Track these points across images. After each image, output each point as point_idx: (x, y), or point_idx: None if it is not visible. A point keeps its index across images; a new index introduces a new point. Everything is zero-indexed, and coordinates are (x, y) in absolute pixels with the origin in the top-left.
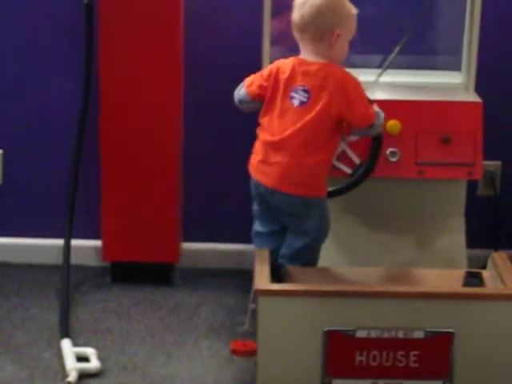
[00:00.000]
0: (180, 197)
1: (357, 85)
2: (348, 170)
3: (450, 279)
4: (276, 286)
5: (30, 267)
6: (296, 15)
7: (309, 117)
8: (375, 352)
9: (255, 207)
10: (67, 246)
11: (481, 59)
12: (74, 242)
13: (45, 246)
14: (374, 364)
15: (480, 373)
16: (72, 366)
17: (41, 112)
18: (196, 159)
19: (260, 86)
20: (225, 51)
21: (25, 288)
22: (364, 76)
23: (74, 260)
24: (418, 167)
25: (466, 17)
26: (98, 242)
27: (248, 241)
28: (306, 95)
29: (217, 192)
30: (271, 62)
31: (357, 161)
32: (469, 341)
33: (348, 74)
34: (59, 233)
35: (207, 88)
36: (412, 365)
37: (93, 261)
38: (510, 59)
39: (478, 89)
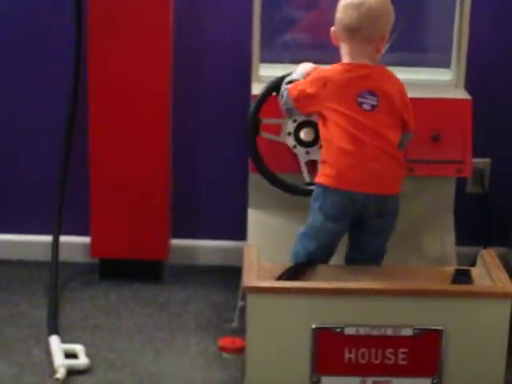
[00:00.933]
0: (169, 193)
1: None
2: (307, 179)
3: (438, 276)
4: (264, 283)
5: (19, 263)
6: (350, 16)
7: (387, 118)
8: (364, 349)
9: (332, 211)
10: (56, 243)
11: (470, 56)
12: (63, 239)
13: (33, 243)
14: (363, 361)
15: (469, 370)
16: (60, 363)
17: (30, 108)
18: (185, 156)
19: (311, 101)
20: (214, 49)
21: (13, 284)
22: None
23: (62, 256)
24: (408, 164)
25: (456, 14)
26: (86, 239)
27: (237, 237)
28: (375, 98)
29: (206, 188)
30: (262, 62)
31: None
32: (458, 338)
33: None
34: (48, 229)
35: (196, 89)
36: (401, 362)
37: (81, 257)
38: (500, 56)
39: (468, 86)
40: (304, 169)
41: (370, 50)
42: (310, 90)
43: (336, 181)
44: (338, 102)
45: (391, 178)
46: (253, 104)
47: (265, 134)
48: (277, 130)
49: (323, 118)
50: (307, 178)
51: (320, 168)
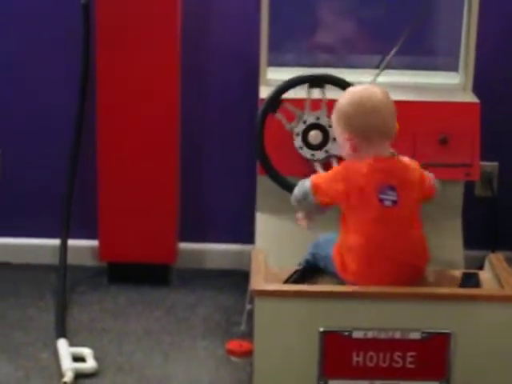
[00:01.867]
0: (177, 197)
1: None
2: None
3: (446, 280)
4: (272, 287)
5: (27, 267)
6: (377, 120)
7: (406, 213)
8: (372, 353)
9: None
10: (64, 246)
11: (478, 60)
12: (71, 242)
13: (41, 246)
14: (371, 365)
15: (477, 374)
16: (68, 366)
17: (38, 112)
18: (193, 160)
19: (333, 196)
20: (222, 53)
21: (21, 288)
22: (362, 76)
23: (70, 260)
24: None
25: (464, 17)
26: (94, 242)
27: (245, 241)
28: (395, 193)
29: (214, 192)
30: (269, 65)
31: None
32: (466, 342)
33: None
34: (56, 233)
35: (204, 93)
36: (409, 366)
37: (89, 261)
38: (508, 60)
39: (476, 89)
40: (319, 168)
41: (388, 143)
42: (332, 185)
43: (356, 277)
44: (361, 195)
45: (415, 277)
46: (256, 131)
47: (280, 114)
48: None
49: (343, 213)
50: None
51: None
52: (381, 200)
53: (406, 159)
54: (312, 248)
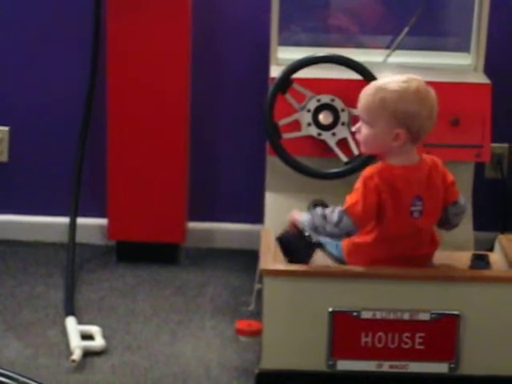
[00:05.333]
0: (186, 176)
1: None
2: (344, 158)
3: (456, 261)
4: (281, 266)
5: (36, 245)
6: (428, 123)
7: (429, 223)
8: (381, 333)
9: None
10: (73, 224)
11: (490, 40)
12: (80, 221)
13: (51, 224)
14: (380, 345)
15: (486, 355)
16: (76, 344)
17: (47, 89)
18: (202, 139)
19: (371, 212)
20: (233, 32)
21: (30, 266)
22: (373, 56)
23: (79, 238)
24: (426, 149)
25: None
26: (103, 221)
27: (254, 221)
28: (421, 203)
29: (224, 171)
30: (280, 44)
31: (356, 151)
32: (475, 323)
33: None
34: (65, 211)
35: (214, 70)
36: (418, 347)
37: (98, 239)
38: None
39: (487, 70)
40: (337, 150)
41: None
42: (370, 202)
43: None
44: (393, 207)
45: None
46: (265, 110)
47: (286, 135)
48: (296, 126)
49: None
50: (344, 158)
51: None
52: (411, 212)
53: (429, 159)
54: None
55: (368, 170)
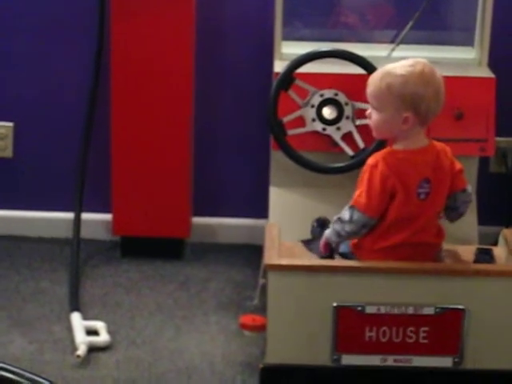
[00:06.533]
0: (191, 171)
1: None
2: (350, 152)
3: (461, 256)
4: (286, 261)
5: (41, 241)
6: (435, 104)
7: (437, 203)
8: (385, 328)
9: None
10: (77, 220)
11: (494, 35)
12: (85, 216)
13: (55, 220)
14: (384, 340)
15: (490, 349)
16: (81, 340)
17: (51, 85)
18: (206, 134)
19: (378, 199)
20: (237, 27)
21: (35, 261)
22: (377, 51)
23: (84, 234)
24: None
25: None
26: (108, 216)
27: (258, 215)
28: (428, 185)
29: (228, 166)
30: (284, 39)
31: (361, 145)
32: (479, 317)
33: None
34: (70, 206)
35: (219, 65)
36: (422, 341)
37: (103, 235)
38: None
39: (491, 64)
40: (342, 144)
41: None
42: (375, 190)
43: (370, 255)
44: (403, 193)
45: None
46: (269, 108)
47: (291, 132)
48: (300, 122)
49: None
50: (350, 152)
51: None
52: (418, 194)
53: (438, 145)
54: None
55: (372, 158)
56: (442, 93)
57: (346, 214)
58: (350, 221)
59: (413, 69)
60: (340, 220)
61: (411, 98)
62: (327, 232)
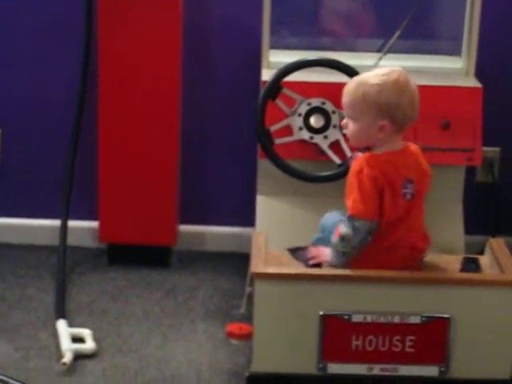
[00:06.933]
0: (178, 179)
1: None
2: (337, 161)
3: (447, 265)
4: (272, 270)
5: (27, 248)
6: (411, 112)
7: (420, 204)
8: (371, 336)
9: None
10: (64, 227)
11: (481, 44)
12: (71, 223)
13: (42, 227)
14: (370, 349)
15: (476, 358)
16: (67, 347)
17: (39, 92)
18: (194, 142)
19: (374, 201)
20: (224, 35)
21: (21, 268)
22: (364, 60)
23: (70, 241)
24: None
25: (467, 2)
26: (95, 224)
27: (246, 224)
28: (412, 185)
29: (215, 174)
30: (272, 48)
31: (348, 153)
32: (465, 326)
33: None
34: (56, 213)
35: (206, 76)
36: (408, 350)
37: (90, 242)
38: (511, 45)
39: (478, 74)
40: (330, 153)
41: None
42: (367, 192)
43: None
44: (391, 195)
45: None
46: (257, 117)
47: (279, 141)
48: (287, 130)
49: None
50: (337, 160)
51: None
52: (404, 194)
53: (412, 147)
54: (319, 232)
55: (356, 164)
56: (417, 100)
57: (346, 230)
58: (355, 232)
59: (387, 77)
60: (344, 238)
61: (387, 107)
62: (329, 254)
